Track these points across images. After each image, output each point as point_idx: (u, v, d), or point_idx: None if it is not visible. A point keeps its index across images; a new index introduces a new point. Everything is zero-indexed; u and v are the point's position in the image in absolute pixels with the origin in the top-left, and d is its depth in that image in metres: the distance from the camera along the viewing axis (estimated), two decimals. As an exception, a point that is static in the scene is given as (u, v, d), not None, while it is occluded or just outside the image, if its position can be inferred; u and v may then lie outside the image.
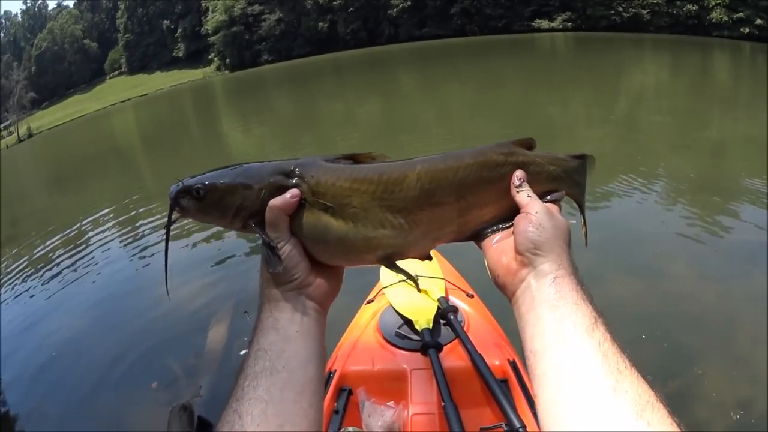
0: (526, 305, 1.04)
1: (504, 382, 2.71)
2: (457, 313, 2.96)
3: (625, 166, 9.27)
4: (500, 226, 1.17)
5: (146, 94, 75.71)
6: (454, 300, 3.15)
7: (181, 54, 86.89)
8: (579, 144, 11.31)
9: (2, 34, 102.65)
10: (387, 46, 60.10)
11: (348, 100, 26.90)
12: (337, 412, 2.73)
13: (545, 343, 0.96)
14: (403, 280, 3.07)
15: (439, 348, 2.77)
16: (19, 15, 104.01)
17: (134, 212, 11.88)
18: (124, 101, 74.60)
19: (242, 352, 4.90)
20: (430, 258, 1.18)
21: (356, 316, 3.38)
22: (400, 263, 1.18)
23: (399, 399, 2.78)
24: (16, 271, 10.24)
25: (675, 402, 4.26)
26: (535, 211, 1.10)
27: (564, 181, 1.23)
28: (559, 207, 1.18)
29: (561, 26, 51.76)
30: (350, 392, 2.85)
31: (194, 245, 8.40)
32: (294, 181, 1.11)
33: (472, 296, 3.26)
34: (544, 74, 24.98)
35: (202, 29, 79.61)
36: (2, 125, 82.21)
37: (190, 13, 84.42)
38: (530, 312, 1.02)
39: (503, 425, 2.35)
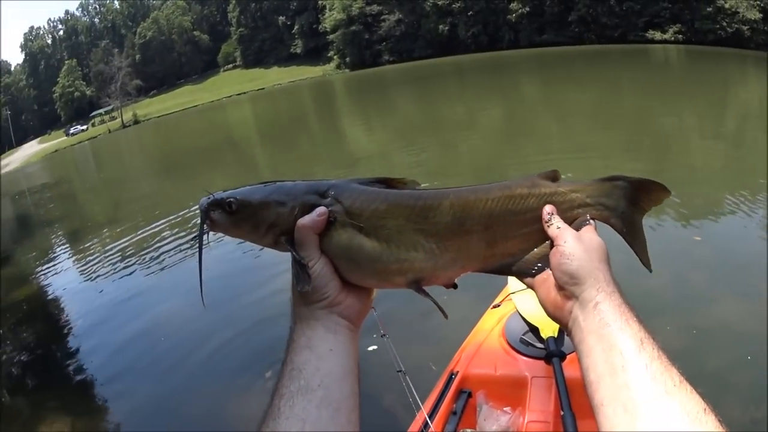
0: (578, 337, 1.07)
1: None
2: None
3: (733, 182, 9.01)
4: (535, 267, 1.20)
5: (263, 89, 78.27)
6: None
7: (299, 50, 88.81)
8: (691, 156, 11.19)
9: (97, 20, 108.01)
10: (508, 51, 60.08)
11: (469, 103, 26.98)
12: (455, 413, 2.87)
13: (598, 374, 0.98)
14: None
15: (562, 357, 2.83)
16: (116, 2, 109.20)
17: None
18: (239, 94, 77.46)
19: (267, 374, 5.16)
20: (455, 286, 1.28)
21: (482, 320, 3.52)
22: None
23: (516, 405, 2.90)
24: (114, 251, 10.97)
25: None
26: (564, 242, 1.13)
27: (591, 207, 1.24)
28: (594, 227, 1.19)
29: (672, 38, 51.12)
30: (470, 395, 2.98)
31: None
32: (328, 201, 1.15)
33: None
34: (658, 85, 24.30)
35: (320, 27, 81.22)
36: (104, 110, 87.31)
37: (306, 10, 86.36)
38: (582, 344, 1.05)
39: None
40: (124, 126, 76.66)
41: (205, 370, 5.85)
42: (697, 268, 6.46)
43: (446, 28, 68.83)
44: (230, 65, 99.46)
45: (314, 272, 1.11)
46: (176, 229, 11.35)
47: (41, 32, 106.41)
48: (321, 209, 1.13)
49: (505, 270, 1.23)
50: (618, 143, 12.89)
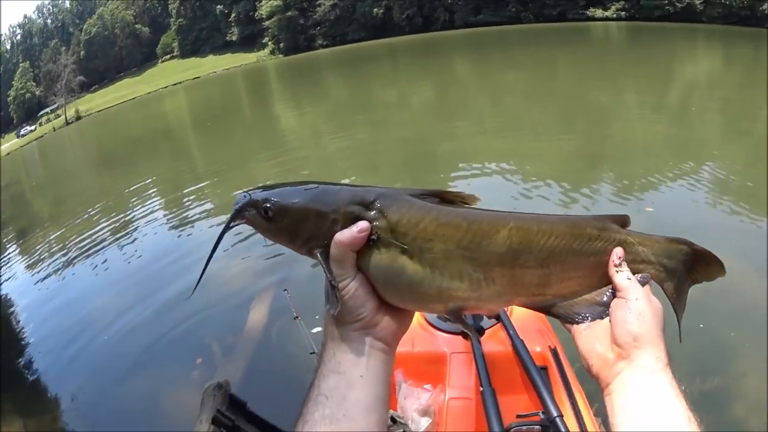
0: (623, 401, 1.00)
1: (544, 370, 2.70)
2: None
3: (675, 155, 9.10)
4: (584, 314, 1.11)
5: (198, 77, 76.53)
6: None
7: (234, 38, 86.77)
8: (631, 132, 11.12)
9: (50, 21, 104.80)
10: (442, 32, 59.78)
11: (402, 85, 26.80)
12: None
13: None
14: None
15: (481, 332, 2.76)
16: (68, 1, 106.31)
17: (182, 192, 12.10)
18: (175, 84, 75.66)
19: (198, 361, 5.05)
20: (498, 318, 1.14)
21: None
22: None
23: (437, 382, 2.79)
24: (59, 248, 10.59)
25: (713, 398, 4.28)
26: (635, 298, 1.05)
27: (653, 265, 1.15)
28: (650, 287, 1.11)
29: (615, 15, 51.06)
30: None
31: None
32: (372, 214, 1.03)
33: None
34: (597, 63, 24.76)
35: (257, 14, 79.96)
36: (50, 109, 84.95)
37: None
38: (628, 408, 0.99)
39: (540, 413, 2.32)
40: (67, 123, 73.91)
41: (149, 361, 5.69)
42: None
43: (381, 11, 68.31)
44: (168, 56, 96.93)
45: (348, 292, 1.02)
46: (115, 224, 11.04)
47: (2, 38, 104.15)
48: (363, 225, 1.01)
49: (549, 310, 1.13)
50: (553, 120, 12.70)
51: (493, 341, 2.77)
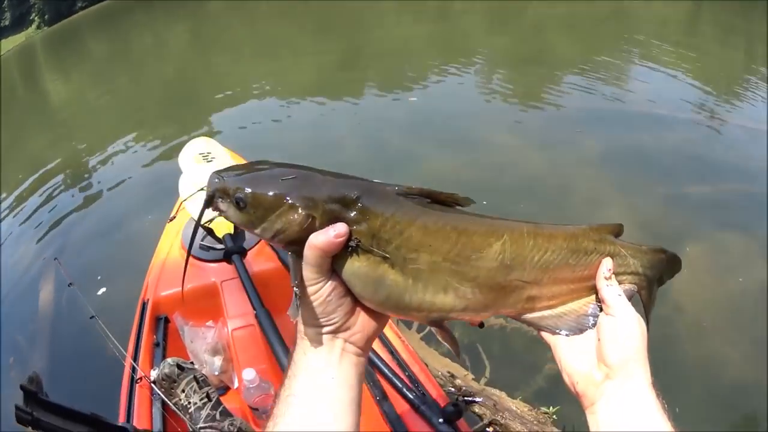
0: (610, 419, 0.94)
1: None
2: None
3: (442, 52, 9.22)
4: (570, 328, 1.02)
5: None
6: None
7: (7, 22, 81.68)
8: (390, 36, 11.05)
9: None
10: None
11: (159, 30, 25.24)
12: (157, 344, 2.53)
13: None
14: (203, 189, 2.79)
15: (243, 252, 2.59)
16: None
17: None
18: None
19: (11, 361, 4.70)
20: (482, 326, 0.95)
21: (161, 238, 3.10)
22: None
23: (217, 316, 2.62)
24: None
25: None
26: (625, 316, 0.98)
27: (638, 276, 1.08)
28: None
29: None
30: (167, 320, 2.64)
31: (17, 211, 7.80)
32: (353, 216, 0.89)
33: None
34: None
35: (28, -6, 74.80)
36: None
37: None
38: (615, 427, 0.93)
39: None
40: None
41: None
42: (412, 126, 6.60)
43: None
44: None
45: (320, 297, 0.92)
46: None
47: None
48: (341, 229, 0.87)
49: (535, 322, 1.04)
50: (310, 37, 12.39)
51: (260, 258, 2.63)
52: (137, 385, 2.24)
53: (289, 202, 0.88)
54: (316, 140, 6.01)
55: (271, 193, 0.89)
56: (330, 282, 0.92)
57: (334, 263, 0.91)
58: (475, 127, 6.48)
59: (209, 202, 0.91)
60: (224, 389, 2.55)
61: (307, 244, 0.88)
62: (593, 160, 5.93)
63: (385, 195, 0.92)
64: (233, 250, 2.54)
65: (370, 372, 2.21)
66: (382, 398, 2.11)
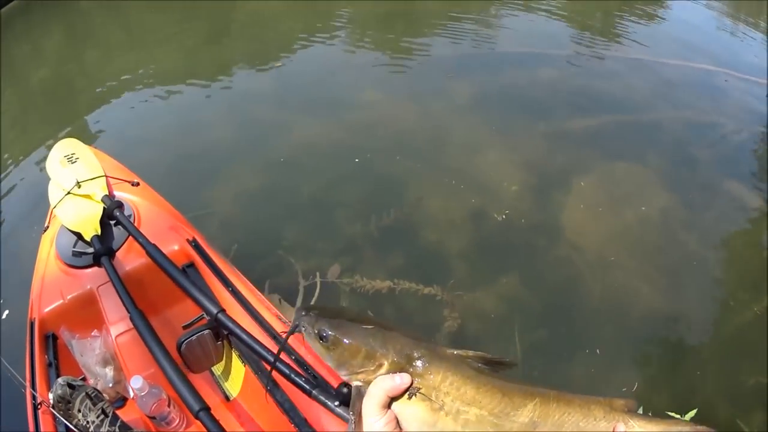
0: None
1: (191, 266, 2.49)
2: (124, 208, 2.61)
3: (307, 17, 9.04)
4: None
5: None
6: (120, 194, 2.78)
7: None
8: (254, 10, 10.85)
9: None
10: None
11: (35, 37, 24.58)
12: (50, 364, 2.41)
13: None
14: (69, 192, 2.67)
15: (111, 253, 2.46)
16: None
17: None
18: None
19: None
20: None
21: (39, 250, 2.89)
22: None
23: (100, 324, 2.46)
24: None
25: (397, 232, 4.37)
26: None
27: None
28: None
29: None
30: (54, 337, 2.49)
31: None
32: (418, 369, 1.09)
33: (137, 184, 2.90)
34: None
35: None
36: None
37: None
38: None
39: (203, 315, 2.12)
40: None
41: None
42: (280, 96, 6.48)
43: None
44: None
45: (375, 428, 1.06)
46: None
47: None
48: (406, 379, 1.07)
49: None
50: (175, 18, 11.99)
51: (130, 258, 2.49)
52: (39, 411, 2.16)
53: (366, 348, 1.10)
54: (186, 124, 5.88)
55: (351, 338, 1.11)
56: (386, 417, 1.06)
57: (394, 404, 1.08)
58: (344, 89, 6.42)
59: (296, 328, 1.15)
60: (122, 400, 2.42)
61: (374, 383, 1.06)
62: (467, 106, 5.91)
63: (446, 357, 1.12)
64: (101, 252, 2.41)
65: (256, 361, 2.14)
66: (274, 387, 2.05)
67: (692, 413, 3.05)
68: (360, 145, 5.26)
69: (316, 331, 1.13)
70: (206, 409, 1.80)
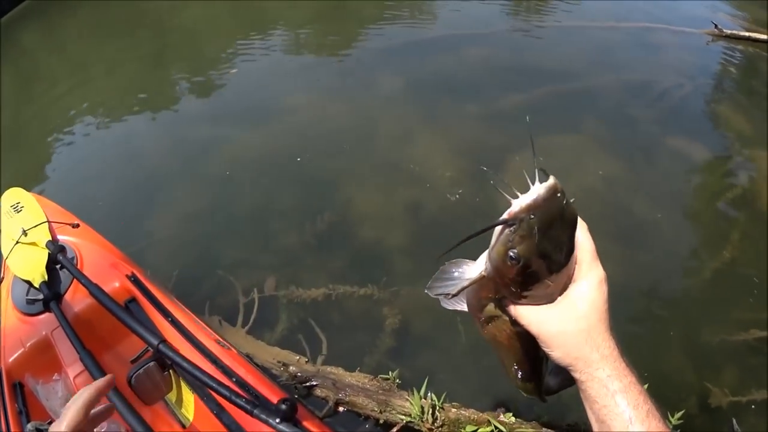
0: None
1: (132, 301, 2.61)
2: (66, 251, 2.78)
3: (241, 29, 9.33)
4: None
5: None
6: (62, 238, 2.95)
7: None
8: (192, 24, 10.94)
9: None
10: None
11: None
12: (20, 412, 2.55)
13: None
14: (18, 242, 2.85)
15: (58, 298, 2.60)
16: None
17: None
18: None
19: None
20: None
21: None
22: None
23: (59, 367, 2.61)
24: None
25: (333, 235, 4.54)
26: None
27: None
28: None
29: None
30: (21, 385, 2.65)
31: None
32: None
33: (77, 226, 3.06)
34: None
35: None
36: None
37: None
38: None
39: (148, 348, 2.25)
40: None
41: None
42: (212, 112, 6.77)
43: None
44: None
45: None
46: None
47: None
48: None
49: None
50: (115, 43, 11.93)
51: (76, 300, 2.63)
52: (15, 458, 2.04)
53: None
54: (125, 154, 6.01)
55: None
56: None
57: None
58: (272, 95, 6.60)
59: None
60: None
61: None
62: (395, 97, 6.08)
63: None
64: (49, 298, 2.54)
65: (200, 387, 2.25)
66: (220, 411, 2.15)
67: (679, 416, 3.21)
68: (294, 151, 5.39)
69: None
70: None
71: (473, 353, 3.61)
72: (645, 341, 3.78)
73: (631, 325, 3.88)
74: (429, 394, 3.06)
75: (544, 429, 2.82)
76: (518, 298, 1.24)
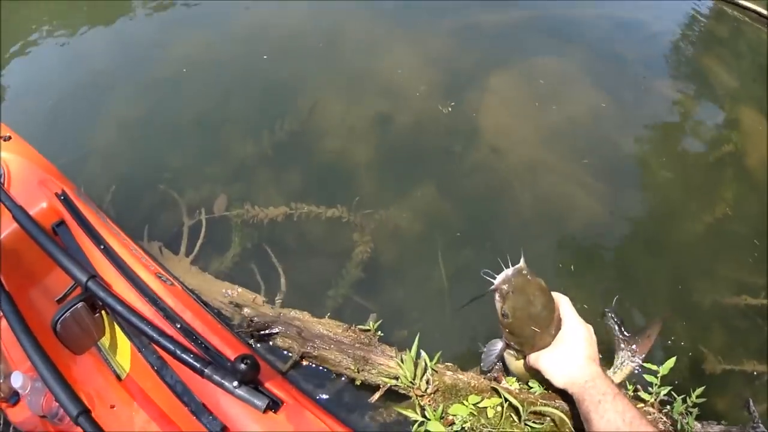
0: None
1: (61, 225, 2.23)
2: None
3: None
4: None
5: None
6: None
7: None
8: None
9: None
10: None
11: None
12: None
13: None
14: None
15: None
16: None
17: None
18: None
19: None
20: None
21: None
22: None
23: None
24: None
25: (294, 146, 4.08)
26: None
27: None
28: None
29: None
30: None
31: None
32: None
33: (9, 138, 2.62)
34: None
35: None
36: None
37: None
38: None
39: (76, 284, 1.88)
40: None
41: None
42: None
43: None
44: None
45: None
46: None
47: None
48: None
49: None
50: None
51: (4, 221, 2.23)
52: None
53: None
54: (70, 61, 5.56)
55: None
56: None
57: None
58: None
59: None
60: (16, 396, 2.11)
61: None
62: (364, 3, 5.63)
63: None
64: None
65: (137, 334, 1.90)
66: (162, 367, 1.82)
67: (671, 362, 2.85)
68: (248, 54, 4.97)
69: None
70: (86, 412, 1.52)
71: (455, 291, 3.27)
72: (630, 291, 3.47)
73: (615, 274, 3.62)
74: (421, 354, 2.46)
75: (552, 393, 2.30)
76: (522, 346, 2.00)
